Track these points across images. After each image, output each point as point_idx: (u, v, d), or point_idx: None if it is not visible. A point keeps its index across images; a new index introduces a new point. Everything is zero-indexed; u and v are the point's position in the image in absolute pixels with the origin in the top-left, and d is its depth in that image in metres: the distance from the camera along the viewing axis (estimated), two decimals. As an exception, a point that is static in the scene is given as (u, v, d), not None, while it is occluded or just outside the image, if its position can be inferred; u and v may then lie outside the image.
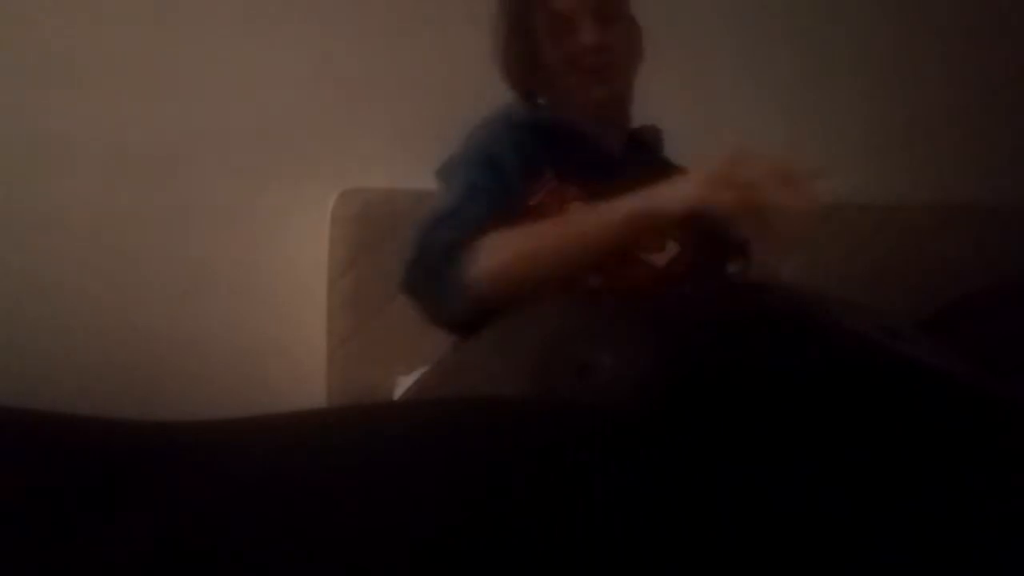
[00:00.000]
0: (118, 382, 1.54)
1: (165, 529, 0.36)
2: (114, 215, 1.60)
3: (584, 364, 0.60)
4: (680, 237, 1.06)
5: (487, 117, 1.14)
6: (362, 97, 1.68)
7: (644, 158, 1.20)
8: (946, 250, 1.77)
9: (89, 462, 0.39)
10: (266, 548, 0.36)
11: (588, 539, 0.39)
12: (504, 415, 0.50)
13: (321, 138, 1.67)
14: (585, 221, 0.98)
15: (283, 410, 0.51)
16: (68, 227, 1.58)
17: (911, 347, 0.63)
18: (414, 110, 1.67)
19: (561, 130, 1.12)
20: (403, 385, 1.35)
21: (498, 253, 0.96)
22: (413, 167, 1.55)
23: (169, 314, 1.61)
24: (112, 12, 1.61)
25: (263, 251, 1.65)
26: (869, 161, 1.78)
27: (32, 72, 1.57)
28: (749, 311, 0.67)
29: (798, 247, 0.90)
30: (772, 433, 0.52)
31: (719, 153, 0.91)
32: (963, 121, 1.85)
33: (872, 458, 0.50)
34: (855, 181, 1.60)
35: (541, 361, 0.65)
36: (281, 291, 1.65)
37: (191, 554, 0.35)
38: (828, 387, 0.55)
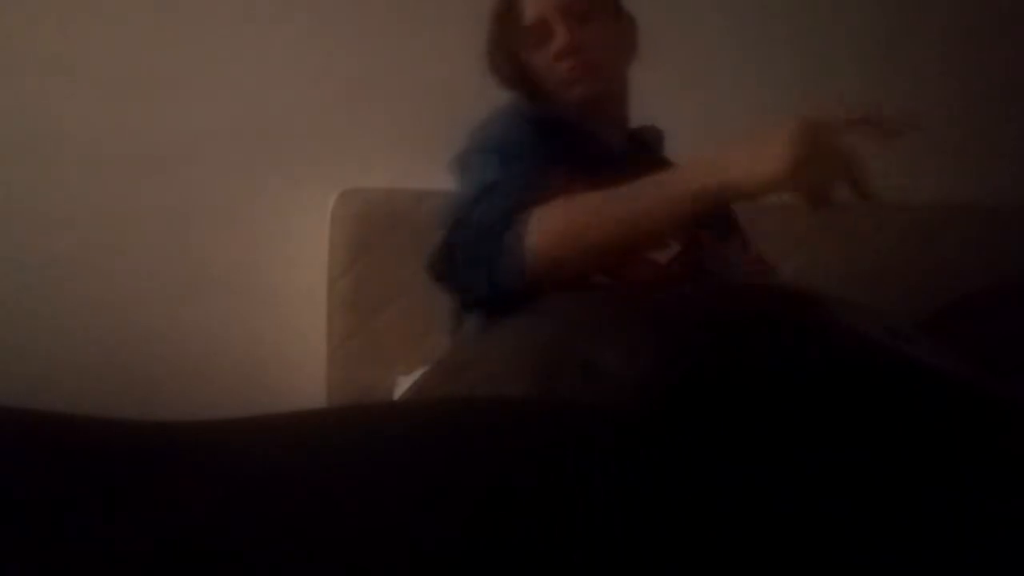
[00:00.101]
0: (118, 382, 1.54)
1: (165, 529, 0.36)
2: (114, 215, 1.61)
3: (585, 364, 0.60)
4: (682, 236, 1.06)
5: (496, 110, 1.14)
6: (362, 97, 1.69)
7: (645, 158, 1.19)
8: (946, 250, 1.77)
9: (89, 462, 0.39)
10: (266, 548, 0.36)
11: (589, 539, 0.39)
12: (504, 415, 0.50)
13: (321, 138, 1.67)
14: (650, 195, 0.90)
15: (283, 410, 0.51)
16: (68, 227, 1.58)
17: (911, 347, 0.64)
18: (414, 110, 1.67)
19: (564, 126, 1.12)
20: (403, 385, 1.35)
21: (558, 221, 0.90)
22: (413, 167, 1.56)
23: (169, 314, 1.61)
24: (112, 12, 1.61)
25: (263, 251, 1.65)
26: (869, 161, 1.77)
27: (32, 72, 1.58)
28: (750, 311, 0.67)
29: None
30: (772, 433, 0.52)
31: (796, 116, 0.80)
32: (963, 121, 1.85)
33: (872, 458, 0.50)
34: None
35: (542, 361, 0.65)
36: (281, 291, 1.65)
37: (191, 554, 0.35)
38: (828, 387, 0.55)
